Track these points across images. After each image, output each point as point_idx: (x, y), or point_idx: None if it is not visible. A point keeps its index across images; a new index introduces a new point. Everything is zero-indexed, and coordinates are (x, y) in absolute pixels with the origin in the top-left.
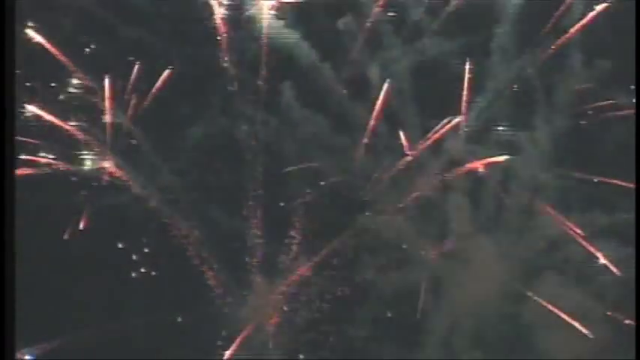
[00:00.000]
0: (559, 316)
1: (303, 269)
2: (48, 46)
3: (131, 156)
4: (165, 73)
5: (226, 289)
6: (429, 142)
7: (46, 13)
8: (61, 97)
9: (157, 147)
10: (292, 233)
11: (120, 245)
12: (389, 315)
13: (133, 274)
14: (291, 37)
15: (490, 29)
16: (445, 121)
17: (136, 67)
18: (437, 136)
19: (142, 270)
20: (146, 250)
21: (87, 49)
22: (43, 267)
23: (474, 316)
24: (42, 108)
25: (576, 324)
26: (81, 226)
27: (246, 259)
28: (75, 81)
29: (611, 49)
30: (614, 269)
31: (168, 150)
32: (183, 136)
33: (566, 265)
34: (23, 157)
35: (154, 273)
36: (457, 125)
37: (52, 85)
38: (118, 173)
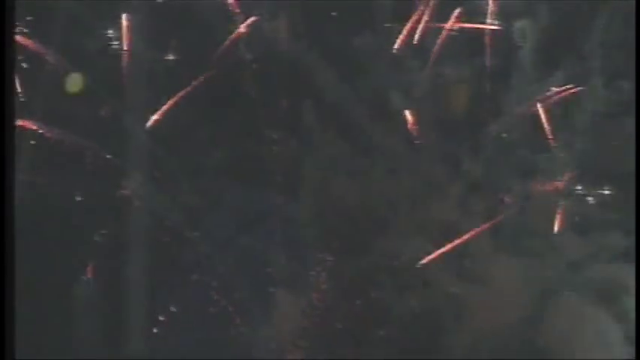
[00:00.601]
0: (579, 339)
1: (325, 301)
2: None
3: (153, 177)
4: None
5: (248, 323)
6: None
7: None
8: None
9: (180, 167)
10: (313, 258)
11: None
12: (408, 338)
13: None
14: (309, 57)
15: (510, 52)
16: (565, 87)
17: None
18: (561, 95)
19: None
20: (173, 310)
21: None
22: (50, 311)
23: (493, 338)
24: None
25: None
26: (89, 274)
27: (269, 288)
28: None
29: (632, 71)
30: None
31: (191, 170)
32: (205, 157)
33: (587, 287)
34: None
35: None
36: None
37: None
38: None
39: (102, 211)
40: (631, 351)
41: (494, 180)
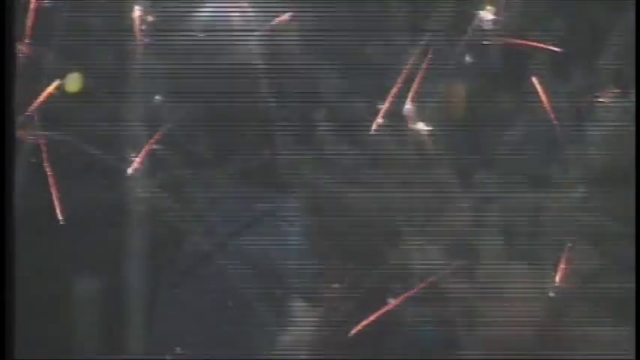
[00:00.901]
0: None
1: (338, 315)
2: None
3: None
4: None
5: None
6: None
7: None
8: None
9: (194, 175)
10: (327, 267)
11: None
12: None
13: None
14: (320, 67)
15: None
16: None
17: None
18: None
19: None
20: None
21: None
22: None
23: (506, 348)
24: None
25: None
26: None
27: (283, 303)
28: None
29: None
30: None
31: (205, 180)
32: (220, 168)
33: (601, 298)
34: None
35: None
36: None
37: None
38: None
39: (113, 221)
40: None
41: (508, 191)
